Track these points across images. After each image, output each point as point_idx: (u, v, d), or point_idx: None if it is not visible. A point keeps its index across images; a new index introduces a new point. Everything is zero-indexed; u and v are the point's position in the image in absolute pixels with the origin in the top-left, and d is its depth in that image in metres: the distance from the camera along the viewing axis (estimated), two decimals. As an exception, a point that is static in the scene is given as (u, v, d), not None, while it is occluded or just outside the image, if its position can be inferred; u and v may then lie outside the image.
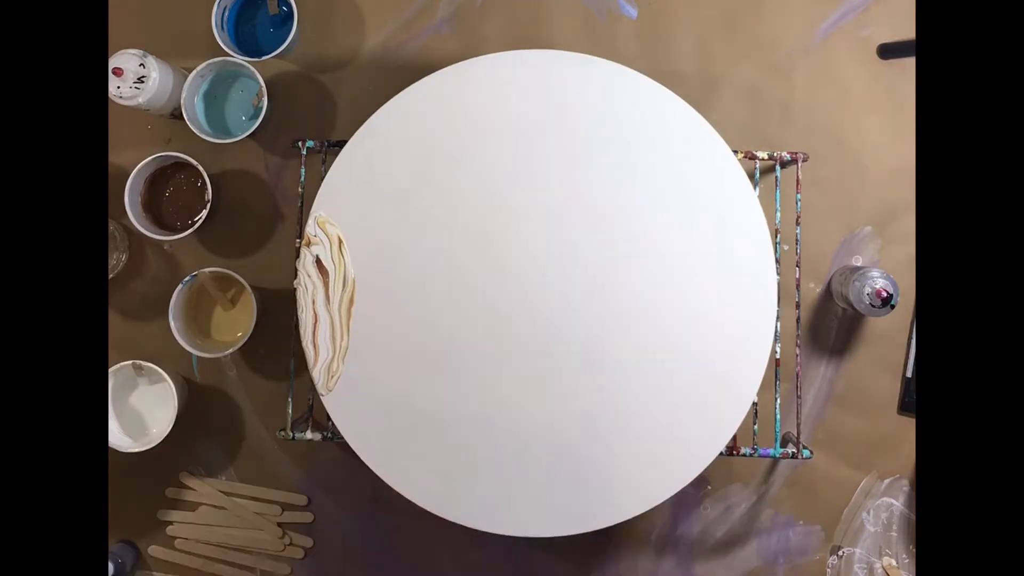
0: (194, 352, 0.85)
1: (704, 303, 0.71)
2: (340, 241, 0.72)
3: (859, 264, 0.90)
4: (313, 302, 0.72)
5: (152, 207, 0.89)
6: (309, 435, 0.80)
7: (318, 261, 0.72)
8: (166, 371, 0.84)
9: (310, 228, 0.73)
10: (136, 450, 0.84)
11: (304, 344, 0.72)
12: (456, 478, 0.71)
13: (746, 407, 0.71)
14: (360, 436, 0.72)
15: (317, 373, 0.72)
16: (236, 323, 0.90)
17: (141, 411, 0.89)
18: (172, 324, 0.84)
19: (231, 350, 0.86)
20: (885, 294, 0.79)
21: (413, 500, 0.71)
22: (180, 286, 0.85)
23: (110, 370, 0.84)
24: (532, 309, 0.72)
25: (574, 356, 0.71)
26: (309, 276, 0.72)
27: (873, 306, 0.80)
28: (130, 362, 0.85)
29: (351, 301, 0.72)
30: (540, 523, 0.71)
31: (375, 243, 0.73)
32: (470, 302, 0.72)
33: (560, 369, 0.71)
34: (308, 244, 0.72)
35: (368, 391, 0.72)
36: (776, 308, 0.71)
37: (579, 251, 0.72)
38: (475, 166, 0.73)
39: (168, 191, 0.90)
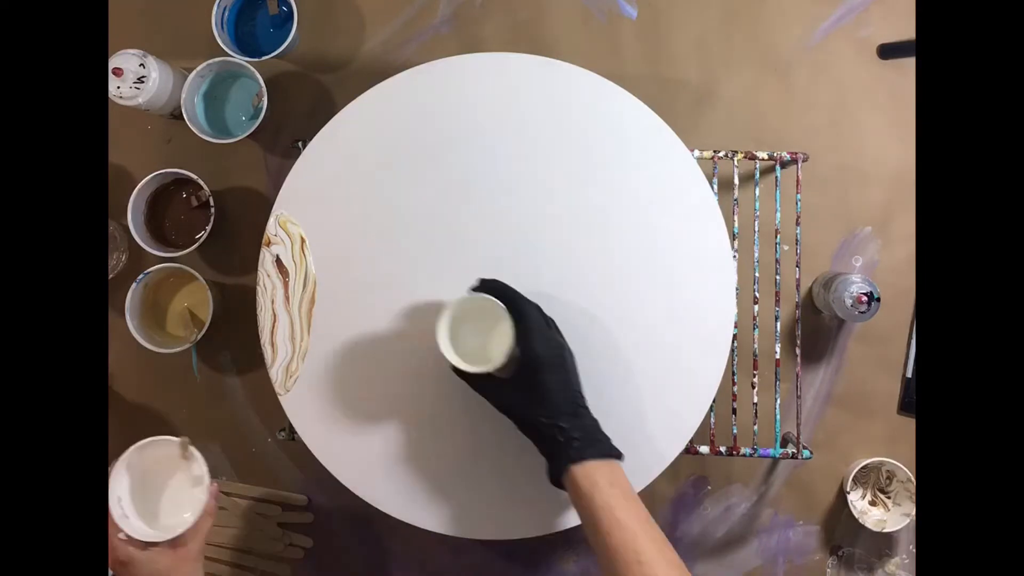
0: (152, 347, 0.85)
1: (665, 300, 0.71)
2: (303, 241, 0.72)
3: (841, 271, 0.89)
4: (272, 302, 0.71)
5: (154, 216, 0.90)
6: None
7: (278, 261, 0.72)
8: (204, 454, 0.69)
9: (270, 227, 0.72)
10: (157, 539, 0.66)
11: (262, 344, 0.71)
12: (416, 481, 0.70)
13: (707, 403, 0.71)
14: (318, 437, 0.71)
15: (275, 373, 0.71)
16: (193, 317, 0.90)
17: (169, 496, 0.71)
18: (128, 322, 0.84)
19: (187, 345, 0.86)
20: (865, 298, 0.80)
21: (373, 504, 0.70)
22: (134, 284, 0.85)
23: (145, 443, 0.69)
24: None
25: None
26: (268, 276, 0.71)
27: (861, 312, 0.81)
28: (178, 440, 0.69)
29: (312, 301, 0.71)
30: (500, 526, 0.70)
31: (339, 243, 0.72)
32: (434, 303, 0.71)
33: None
34: (268, 244, 0.72)
35: (327, 392, 0.71)
36: (734, 309, 0.71)
37: (542, 252, 0.71)
38: (439, 167, 0.72)
39: (168, 208, 0.91)
